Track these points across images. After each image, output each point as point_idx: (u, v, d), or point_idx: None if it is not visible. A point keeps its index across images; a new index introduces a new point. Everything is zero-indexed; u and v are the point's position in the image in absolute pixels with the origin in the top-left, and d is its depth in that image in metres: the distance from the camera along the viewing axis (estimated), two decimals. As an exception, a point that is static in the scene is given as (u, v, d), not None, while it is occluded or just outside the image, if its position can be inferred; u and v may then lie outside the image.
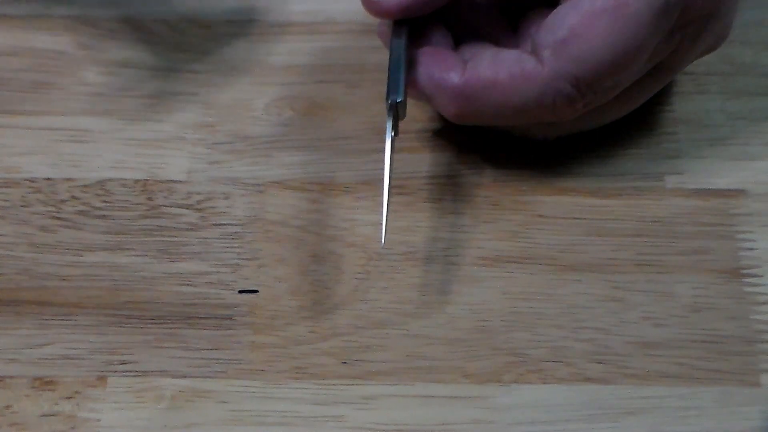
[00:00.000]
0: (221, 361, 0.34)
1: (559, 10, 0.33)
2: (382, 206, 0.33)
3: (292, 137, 0.39)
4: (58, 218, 0.37)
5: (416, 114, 0.39)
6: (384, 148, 0.33)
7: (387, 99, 0.34)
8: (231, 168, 0.38)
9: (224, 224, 0.37)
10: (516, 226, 0.37)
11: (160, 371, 0.34)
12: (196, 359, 0.34)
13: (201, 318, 0.35)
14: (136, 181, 0.38)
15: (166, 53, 0.41)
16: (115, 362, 0.34)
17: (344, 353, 0.34)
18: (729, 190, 0.37)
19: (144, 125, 0.39)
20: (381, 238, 0.32)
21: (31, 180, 0.38)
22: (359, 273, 0.36)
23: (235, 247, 0.36)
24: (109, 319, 0.35)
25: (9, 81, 0.41)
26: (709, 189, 0.37)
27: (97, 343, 0.34)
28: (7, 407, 0.33)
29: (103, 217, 0.37)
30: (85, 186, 0.38)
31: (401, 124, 0.34)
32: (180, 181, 0.38)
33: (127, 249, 0.36)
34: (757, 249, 0.36)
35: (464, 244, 0.36)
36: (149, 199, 0.37)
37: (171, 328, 0.35)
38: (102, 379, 0.34)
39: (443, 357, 0.34)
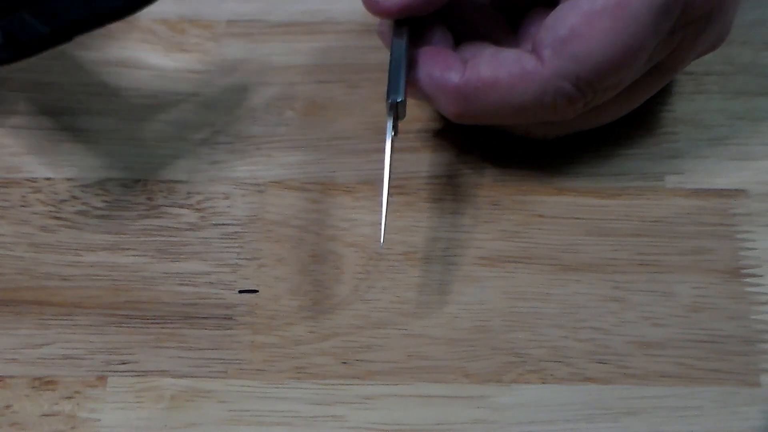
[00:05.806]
0: (221, 361, 0.34)
1: (559, 10, 0.33)
2: (382, 206, 0.33)
3: (292, 137, 0.39)
4: (58, 218, 0.37)
5: (416, 114, 0.39)
6: (384, 148, 0.33)
7: (387, 99, 0.34)
8: (231, 168, 0.38)
9: (224, 224, 0.37)
10: (516, 226, 0.37)
11: (160, 371, 0.34)
12: (196, 359, 0.34)
13: (201, 318, 0.35)
14: (136, 181, 0.38)
15: (166, 53, 0.41)
16: (115, 362, 0.34)
17: (344, 353, 0.34)
18: (729, 190, 0.37)
19: (144, 125, 0.39)
20: (380, 238, 0.32)
21: (31, 180, 0.38)
22: (359, 273, 0.36)
23: (235, 247, 0.36)
24: (109, 319, 0.35)
25: (9, 81, 0.41)
26: (709, 189, 0.37)
27: (97, 343, 0.34)
28: (7, 407, 0.33)
29: (103, 217, 0.37)
30: (85, 186, 0.38)
31: (401, 124, 0.34)
32: (180, 181, 0.38)
33: (127, 249, 0.36)
34: (757, 249, 0.36)
35: (464, 244, 0.36)
36: (149, 199, 0.37)
37: (171, 328, 0.35)
38: (102, 379, 0.34)
39: (443, 357, 0.34)
